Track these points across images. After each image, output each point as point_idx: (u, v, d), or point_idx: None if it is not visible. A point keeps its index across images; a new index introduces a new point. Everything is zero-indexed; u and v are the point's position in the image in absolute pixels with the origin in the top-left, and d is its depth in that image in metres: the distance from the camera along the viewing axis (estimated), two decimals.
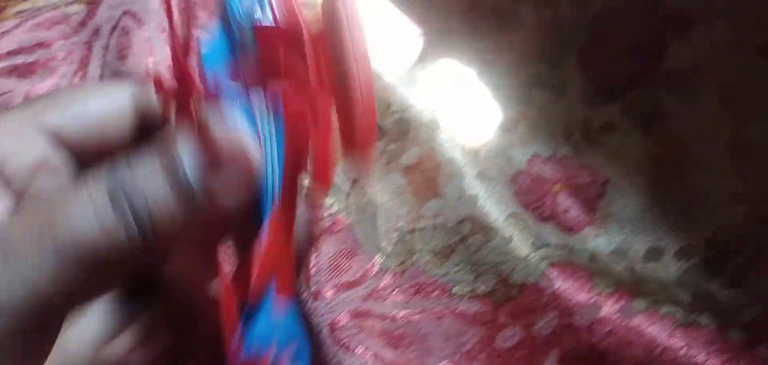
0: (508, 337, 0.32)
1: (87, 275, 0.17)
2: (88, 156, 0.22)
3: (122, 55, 0.40)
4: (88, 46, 0.42)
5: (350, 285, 0.33)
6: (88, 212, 0.17)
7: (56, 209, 0.17)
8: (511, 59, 0.40)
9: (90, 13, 0.43)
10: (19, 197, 0.20)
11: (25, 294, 0.16)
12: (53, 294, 0.16)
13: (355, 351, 0.30)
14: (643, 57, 0.39)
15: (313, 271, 0.33)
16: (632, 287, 0.32)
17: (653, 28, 0.39)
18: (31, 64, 0.41)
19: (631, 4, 0.40)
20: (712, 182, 0.35)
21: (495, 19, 0.42)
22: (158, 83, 0.35)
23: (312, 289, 0.32)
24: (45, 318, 0.17)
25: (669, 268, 0.33)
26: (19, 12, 0.45)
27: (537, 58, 0.40)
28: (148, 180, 0.17)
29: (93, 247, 0.16)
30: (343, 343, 0.31)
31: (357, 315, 0.32)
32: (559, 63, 0.40)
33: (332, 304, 0.32)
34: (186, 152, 0.17)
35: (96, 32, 0.42)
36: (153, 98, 0.22)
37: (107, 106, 0.22)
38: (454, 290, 0.34)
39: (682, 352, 0.29)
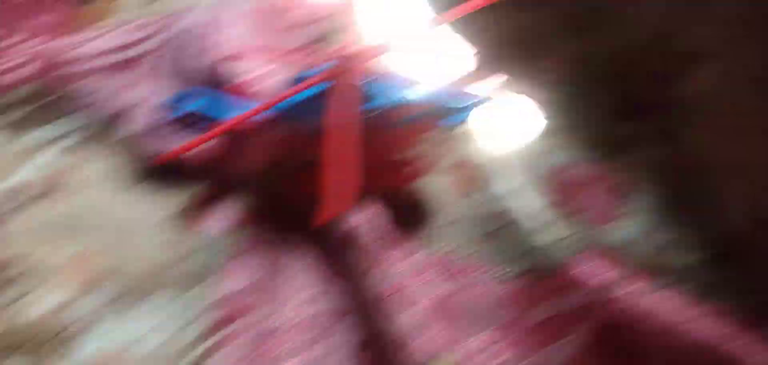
0: (542, 312, 0.36)
1: None
2: None
3: (203, 52, 0.46)
4: (169, 42, 0.47)
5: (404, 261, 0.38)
6: None
7: None
8: (548, 80, 0.46)
9: (174, 19, 0.49)
10: None
11: None
12: None
13: (417, 303, 0.35)
14: (660, 84, 0.45)
15: (375, 245, 0.37)
16: (652, 269, 0.36)
17: (668, 61, 0.45)
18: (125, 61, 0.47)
19: (650, 40, 0.46)
20: (719, 191, 0.40)
21: (536, 47, 0.48)
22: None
23: (375, 260, 0.37)
24: None
25: (684, 258, 0.38)
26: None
27: (569, 80, 0.46)
28: None
29: None
30: (405, 299, 0.35)
31: (416, 275, 0.36)
32: (587, 85, 0.46)
33: (391, 272, 0.36)
34: None
35: (178, 32, 0.47)
36: None
37: None
38: (493, 272, 0.38)
39: (697, 324, 0.33)
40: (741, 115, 0.42)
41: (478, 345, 0.36)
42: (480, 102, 0.36)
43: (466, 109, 0.36)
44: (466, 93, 0.37)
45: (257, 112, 0.36)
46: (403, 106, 0.37)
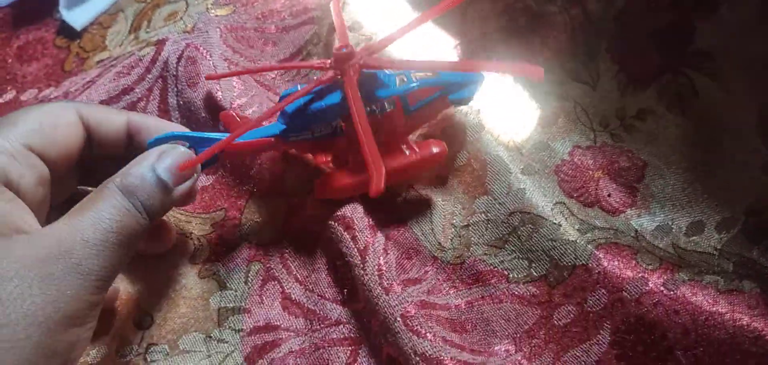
0: (564, 315, 0.35)
1: (125, 249, 0.29)
2: (54, 163, 0.32)
3: (191, 83, 0.45)
4: (163, 78, 0.46)
5: (415, 281, 0.37)
6: (118, 206, 0.29)
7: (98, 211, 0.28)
8: (545, 58, 0.43)
9: (158, 51, 0.48)
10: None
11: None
12: (110, 276, 0.29)
13: (426, 336, 0.34)
14: (671, 41, 0.41)
15: (384, 269, 0.37)
16: (675, 260, 0.34)
17: (679, 13, 0.42)
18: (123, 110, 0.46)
19: None
20: (746, 155, 0.37)
21: (527, 20, 0.45)
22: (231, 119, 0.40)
23: (384, 285, 0.36)
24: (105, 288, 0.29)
25: (711, 240, 0.36)
26: (99, 61, 0.51)
27: (570, 54, 0.43)
28: (144, 181, 0.31)
29: (126, 229, 0.29)
30: (415, 330, 0.34)
31: (424, 305, 0.36)
32: (590, 57, 0.43)
33: (402, 297, 0.36)
34: (166, 157, 0.32)
35: (165, 65, 0.47)
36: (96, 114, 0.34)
37: (63, 122, 0.33)
38: (511, 276, 0.37)
39: (726, 317, 0.31)
40: (766, 67, 0.39)
41: (503, 353, 0.35)
42: (480, 80, 0.36)
43: (470, 84, 0.36)
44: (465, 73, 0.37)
45: (261, 120, 0.36)
46: (410, 92, 0.37)
